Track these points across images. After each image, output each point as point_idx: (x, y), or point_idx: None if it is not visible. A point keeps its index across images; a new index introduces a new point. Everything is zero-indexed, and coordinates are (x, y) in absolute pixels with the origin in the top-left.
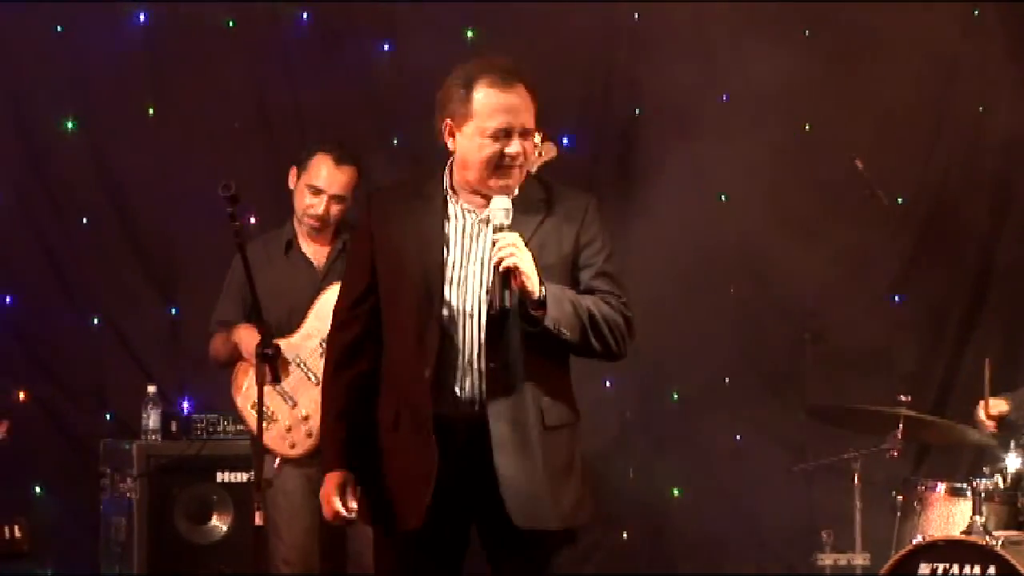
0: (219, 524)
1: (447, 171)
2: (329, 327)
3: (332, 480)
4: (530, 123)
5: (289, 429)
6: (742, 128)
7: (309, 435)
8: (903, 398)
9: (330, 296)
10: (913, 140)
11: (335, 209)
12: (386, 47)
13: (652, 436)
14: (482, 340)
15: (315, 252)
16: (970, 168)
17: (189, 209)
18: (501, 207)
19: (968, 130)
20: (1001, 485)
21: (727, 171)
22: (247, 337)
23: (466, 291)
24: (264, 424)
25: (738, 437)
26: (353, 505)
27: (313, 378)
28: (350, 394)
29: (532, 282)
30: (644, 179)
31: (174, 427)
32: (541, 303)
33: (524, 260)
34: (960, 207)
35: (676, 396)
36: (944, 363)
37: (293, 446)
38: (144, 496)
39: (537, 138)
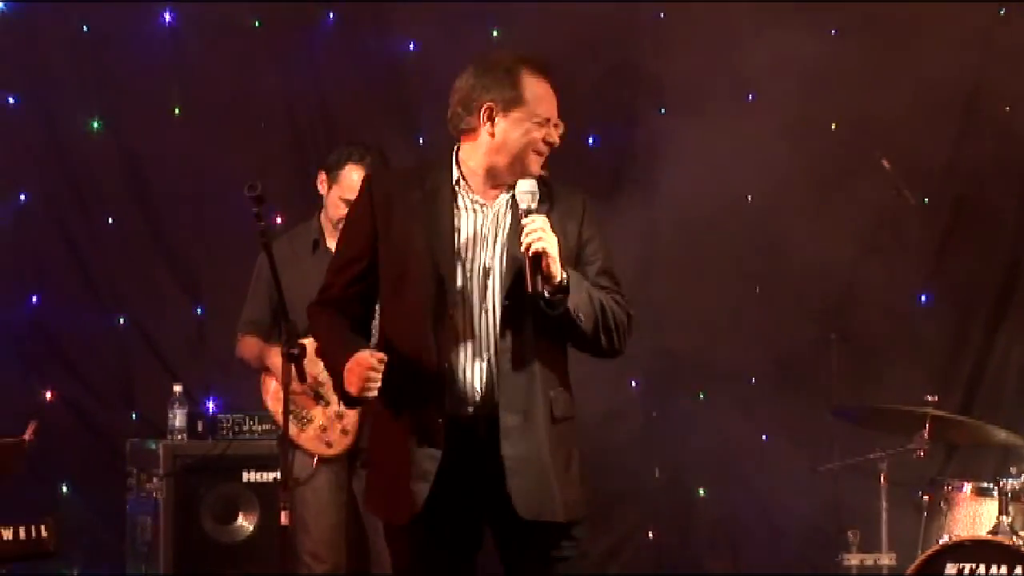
0: (245, 524)
1: (454, 162)
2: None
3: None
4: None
5: (324, 429)
6: (768, 126)
7: (345, 432)
8: (930, 398)
9: None
10: (940, 137)
11: None
12: (411, 46)
13: (678, 436)
14: (495, 332)
15: None
16: (997, 167)
17: (215, 209)
18: (527, 189)
19: (995, 127)
20: None
21: (753, 170)
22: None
23: (477, 284)
24: (301, 426)
25: (764, 437)
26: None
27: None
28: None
29: (556, 266)
30: (669, 178)
31: (200, 427)
32: (563, 288)
33: (552, 244)
34: (987, 205)
35: (702, 396)
36: (971, 363)
37: (330, 445)
38: (170, 496)
39: None
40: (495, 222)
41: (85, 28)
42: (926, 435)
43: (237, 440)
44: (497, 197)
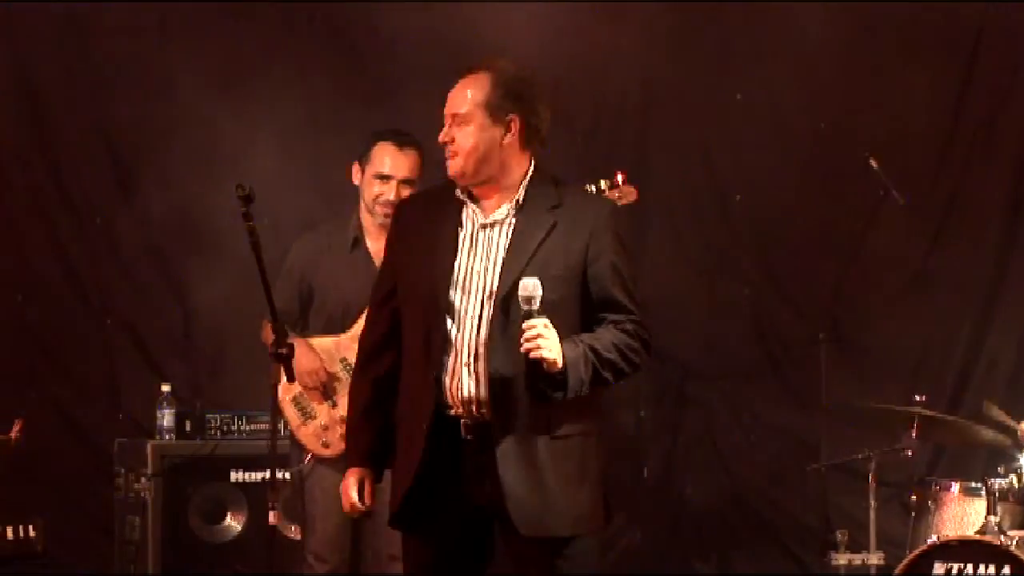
0: (233, 523)
1: None
2: None
3: (352, 475)
4: (456, 109)
5: (325, 428)
6: (756, 126)
7: (344, 438)
8: (918, 398)
9: None
10: (929, 138)
11: (405, 193)
12: (398, 48)
13: (667, 435)
14: (483, 345)
15: (379, 250)
16: (986, 167)
17: (203, 208)
18: (527, 294)
19: (984, 129)
20: (1016, 485)
21: (742, 170)
22: (302, 360)
23: (470, 295)
24: (303, 420)
25: (752, 437)
26: (367, 501)
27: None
28: (376, 391)
29: (557, 363)
30: (659, 179)
31: (188, 426)
32: (563, 378)
33: (551, 349)
34: (976, 205)
35: (691, 396)
36: (959, 363)
37: (327, 446)
38: (158, 495)
39: (619, 178)
40: (493, 233)
41: (73, 26)
42: (914, 435)
43: (225, 440)
44: (499, 206)
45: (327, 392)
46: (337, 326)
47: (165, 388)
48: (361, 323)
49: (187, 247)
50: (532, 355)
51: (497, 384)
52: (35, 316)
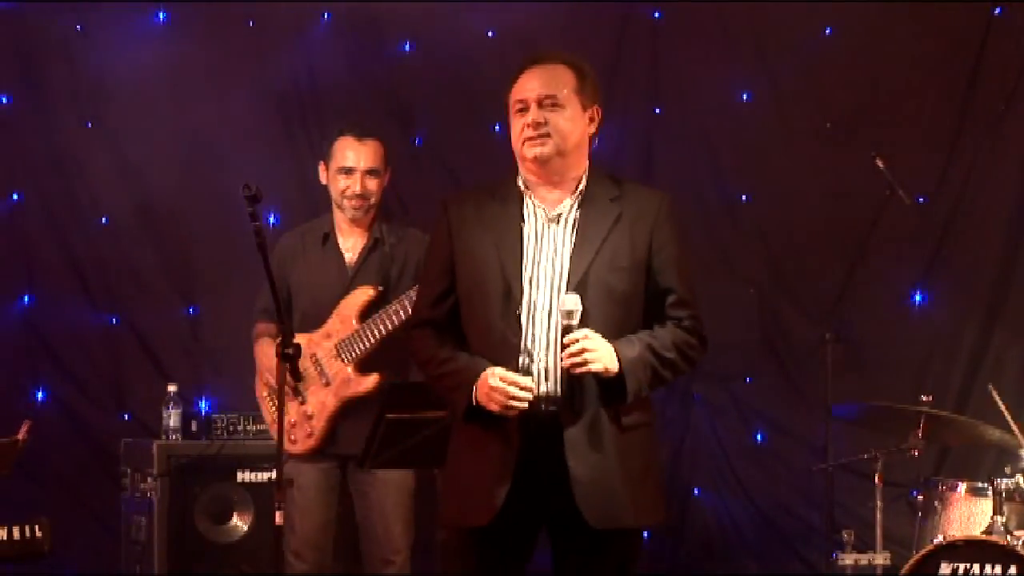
0: (239, 523)
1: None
2: (347, 329)
3: (493, 371)
4: (551, 92)
5: (293, 425)
6: (763, 127)
7: (310, 435)
8: (924, 398)
9: (355, 298)
10: (935, 138)
11: (372, 184)
12: (408, 47)
13: (673, 436)
14: (558, 339)
15: (351, 245)
16: (993, 167)
17: (209, 209)
18: (568, 308)
19: (991, 128)
20: (1022, 485)
21: (748, 170)
22: (265, 357)
23: (540, 290)
24: (274, 416)
25: (759, 437)
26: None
27: (324, 379)
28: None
29: (611, 368)
30: (664, 179)
31: (194, 426)
32: (619, 377)
33: (599, 359)
34: (982, 204)
35: (697, 396)
36: (966, 363)
37: (294, 442)
38: (164, 496)
39: None
40: (559, 228)
41: (79, 27)
42: (920, 435)
43: (231, 440)
44: (562, 200)
45: (296, 389)
46: (310, 323)
47: (171, 388)
48: (332, 320)
49: (193, 247)
50: (579, 370)
51: (567, 377)
52: (41, 316)
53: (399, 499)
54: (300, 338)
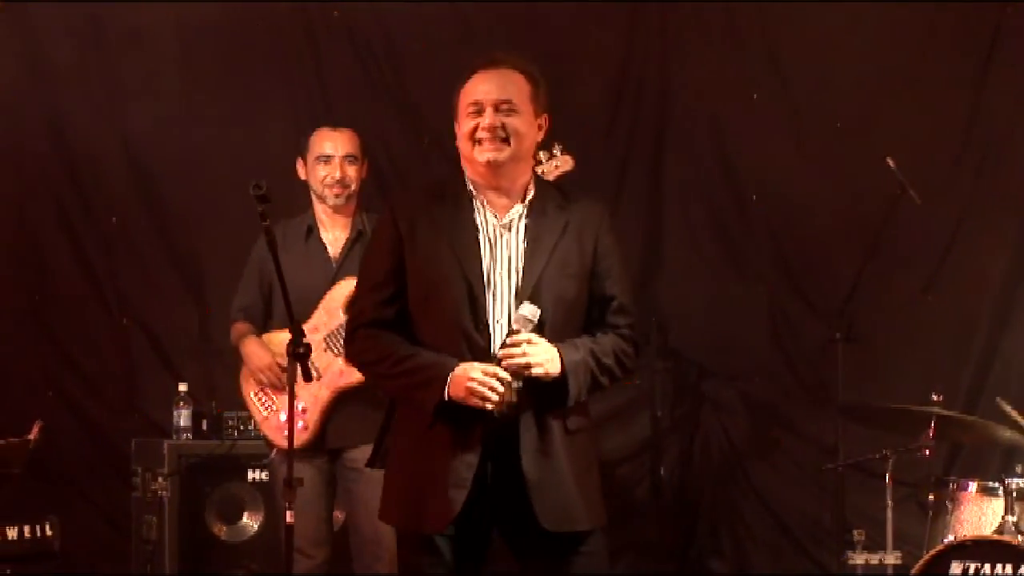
0: (250, 522)
1: (466, 176)
2: (334, 322)
3: (464, 372)
4: (507, 96)
5: (286, 420)
6: (773, 126)
7: (304, 429)
8: (935, 397)
9: (340, 290)
10: (945, 137)
11: (351, 170)
12: (418, 47)
13: (683, 435)
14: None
15: (334, 239)
16: (1003, 167)
17: (219, 208)
18: (527, 315)
19: (1001, 128)
20: None
21: (758, 169)
22: (254, 357)
23: (497, 298)
24: (265, 414)
25: (769, 436)
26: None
27: (315, 371)
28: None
29: (553, 371)
30: (675, 178)
31: (205, 426)
32: (562, 379)
33: (543, 363)
34: (993, 203)
35: (707, 395)
36: (976, 362)
37: (287, 437)
38: (175, 495)
39: (557, 148)
40: (511, 235)
41: (88, 27)
42: (931, 434)
43: (242, 439)
44: (511, 207)
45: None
46: (296, 317)
47: (182, 388)
48: (318, 314)
49: (203, 246)
50: (523, 372)
51: (523, 385)
52: (52, 317)
53: None
54: (284, 335)
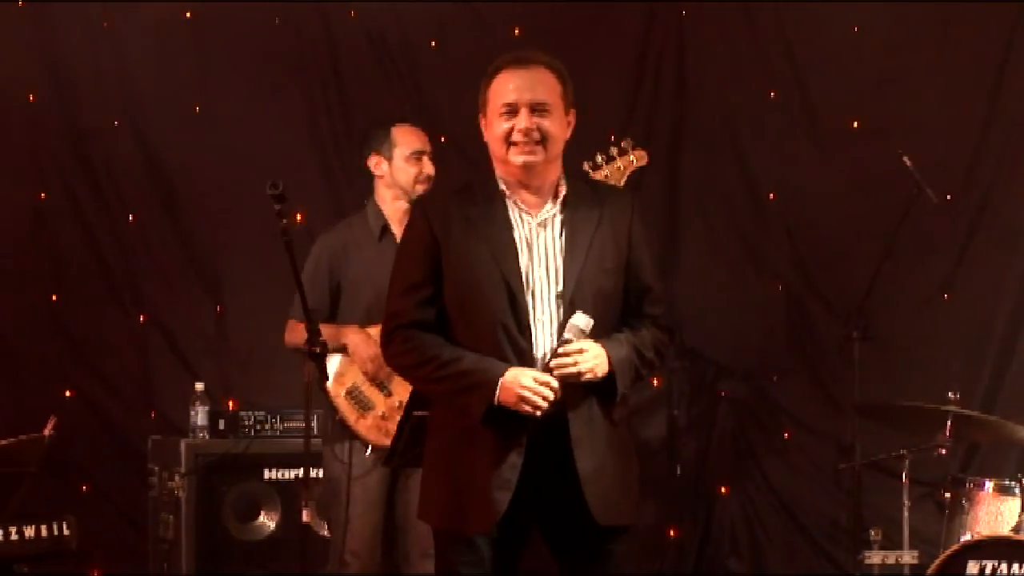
0: (267, 522)
1: (497, 175)
2: None
3: (515, 378)
4: (542, 98)
5: (384, 417)
6: (790, 125)
7: (387, 434)
8: (952, 396)
9: None
10: (962, 136)
11: (429, 167)
12: (433, 44)
13: (700, 434)
14: (555, 344)
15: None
16: (1019, 166)
17: (236, 207)
18: (580, 326)
19: (1017, 128)
20: None
21: (776, 168)
22: (363, 347)
23: (537, 297)
24: (361, 413)
25: (786, 435)
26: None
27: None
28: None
29: (601, 372)
30: (693, 177)
31: (222, 424)
32: (610, 377)
33: (595, 368)
34: (1010, 202)
35: (724, 394)
36: (993, 361)
37: (388, 434)
38: (192, 494)
39: (629, 142)
40: (547, 232)
41: (105, 25)
42: (948, 433)
43: (258, 438)
44: (543, 205)
45: (381, 382)
46: (376, 316)
47: (199, 386)
48: None
49: (220, 245)
50: (577, 380)
51: (571, 384)
52: (69, 315)
53: None
54: (372, 331)
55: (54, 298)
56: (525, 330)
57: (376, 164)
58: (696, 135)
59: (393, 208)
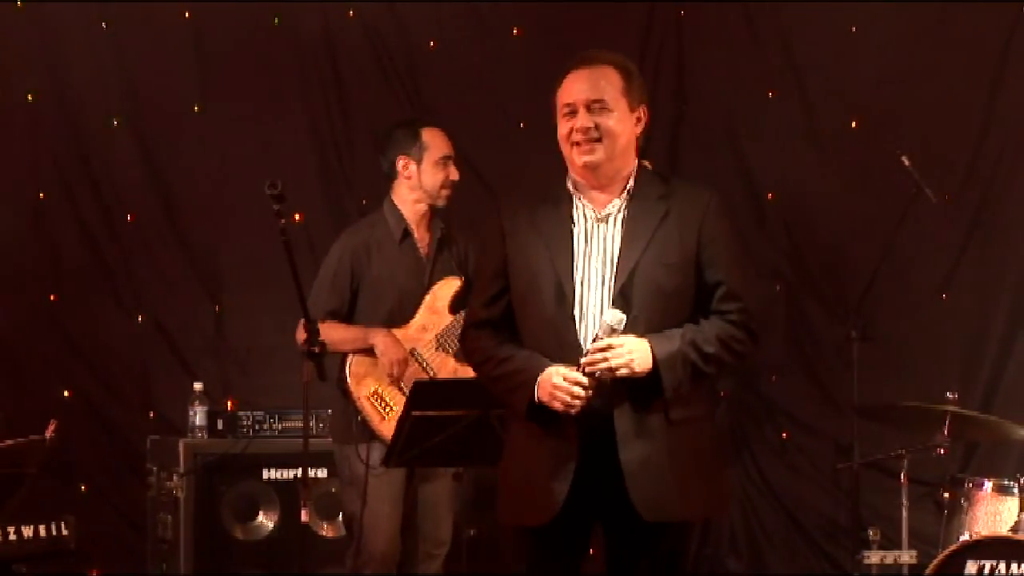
0: (265, 522)
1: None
2: (443, 321)
3: (548, 376)
4: (599, 95)
5: None
6: (789, 125)
7: None
8: (950, 395)
9: (444, 290)
10: (961, 136)
11: (454, 172)
12: (432, 44)
13: None
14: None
15: (421, 239)
16: (1018, 165)
17: (235, 207)
18: (611, 323)
19: (1016, 127)
20: None
21: (774, 168)
22: (391, 349)
23: (591, 290)
24: (383, 415)
25: (785, 435)
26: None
27: (430, 370)
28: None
29: (641, 369)
30: (691, 177)
31: (220, 424)
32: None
33: (630, 363)
34: (1008, 202)
35: (723, 394)
36: (992, 360)
37: None
38: (190, 494)
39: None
40: (607, 226)
41: (104, 24)
42: (947, 433)
43: (257, 438)
44: (610, 200)
45: (403, 385)
46: (398, 318)
47: (197, 386)
48: (422, 314)
49: (218, 245)
50: (612, 376)
51: (617, 380)
52: (67, 314)
53: (448, 493)
54: (399, 333)
55: (53, 298)
56: (572, 323)
57: (404, 166)
58: (695, 135)
59: (413, 211)
